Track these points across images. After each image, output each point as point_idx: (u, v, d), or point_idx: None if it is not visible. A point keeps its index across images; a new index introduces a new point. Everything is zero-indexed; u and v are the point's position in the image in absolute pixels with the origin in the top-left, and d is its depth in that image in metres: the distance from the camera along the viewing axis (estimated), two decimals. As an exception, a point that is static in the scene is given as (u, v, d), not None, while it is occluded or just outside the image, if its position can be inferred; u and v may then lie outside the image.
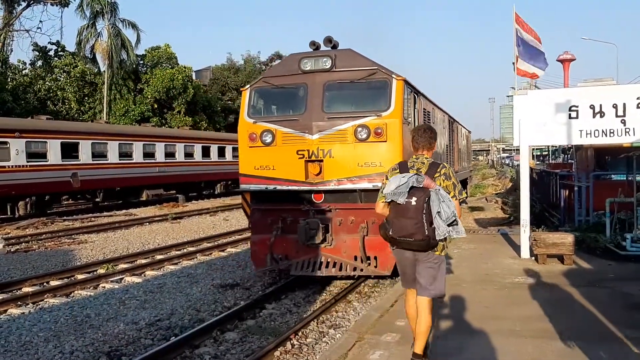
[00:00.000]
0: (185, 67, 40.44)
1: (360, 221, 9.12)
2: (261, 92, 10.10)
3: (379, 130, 8.93)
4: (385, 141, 8.95)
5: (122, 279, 11.35)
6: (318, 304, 9.23)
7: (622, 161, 13.44)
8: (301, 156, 9.28)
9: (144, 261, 12.90)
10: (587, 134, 9.85)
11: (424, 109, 11.50)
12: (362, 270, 9.20)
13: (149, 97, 38.67)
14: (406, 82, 9.55)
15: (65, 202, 27.81)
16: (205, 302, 9.29)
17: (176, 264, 12.80)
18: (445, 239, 4.73)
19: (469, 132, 21.16)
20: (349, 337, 6.03)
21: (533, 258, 10.07)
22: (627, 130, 9.67)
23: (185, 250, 14.40)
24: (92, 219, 21.75)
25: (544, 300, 7.42)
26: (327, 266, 9.28)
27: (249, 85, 10.28)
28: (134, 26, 37.94)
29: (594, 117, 9.79)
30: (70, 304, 9.41)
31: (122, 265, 12.46)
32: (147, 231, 18.18)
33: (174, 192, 29.39)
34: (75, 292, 10.29)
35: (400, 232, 4.72)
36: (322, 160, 9.20)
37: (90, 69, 37.90)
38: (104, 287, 10.73)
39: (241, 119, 9.97)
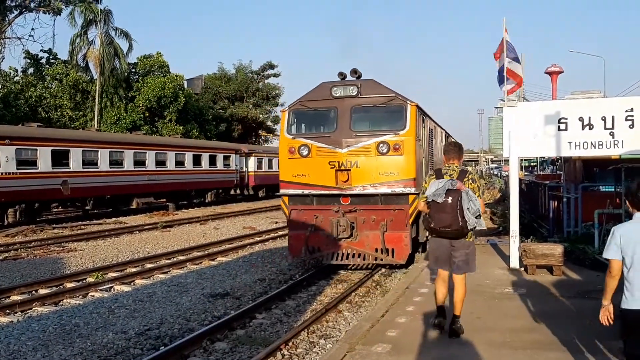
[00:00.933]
0: (176, 76, 40.44)
1: (381, 220, 11.08)
2: (298, 114, 12.08)
3: (397, 146, 11.03)
4: (402, 155, 11.05)
5: (111, 287, 11.28)
6: (309, 313, 9.23)
7: (610, 173, 13.59)
8: (332, 166, 11.28)
9: (133, 270, 12.84)
10: (576, 146, 9.95)
11: (429, 127, 13.57)
12: (381, 260, 11.21)
13: (141, 105, 38.61)
14: (418, 107, 11.64)
15: (55, 210, 27.63)
16: (195, 312, 9.25)
17: (166, 272, 12.75)
18: (473, 229, 6.11)
19: (447, 133, 22.43)
20: (340, 348, 6.02)
21: (522, 269, 10.12)
22: (616, 142, 9.77)
23: (175, 259, 14.34)
24: (82, 226, 21.62)
25: (534, 311, 7.46)
26: (352, 257, 11.29)
27: (287, 107, 12.34)
28: (126, 35, 37.93)
29: (582, 129, 9.89)
30: (59, 312, 9.33)
31: (112, 274, 12.38)
32: (137, 239, 18.09)
33: (165, 200, 29.30)
34: (64, 300, 10.21)
35: (440, 224, 6.08)
36: (349, 170, 11.19)
37: (82, 77, 37.78)
38: (93, 295, 10.65)
39: (282, 135, 12.03)
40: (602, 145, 9.82)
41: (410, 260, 11.90)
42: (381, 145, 11.09)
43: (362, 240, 11.21)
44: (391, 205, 11.15)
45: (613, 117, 9.75)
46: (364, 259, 11.31)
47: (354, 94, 11.48)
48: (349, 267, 12.48)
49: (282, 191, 11.88)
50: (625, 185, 5.86)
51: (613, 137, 9.76)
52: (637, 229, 3.99)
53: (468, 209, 5.94)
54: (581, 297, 8.14)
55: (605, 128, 9.80)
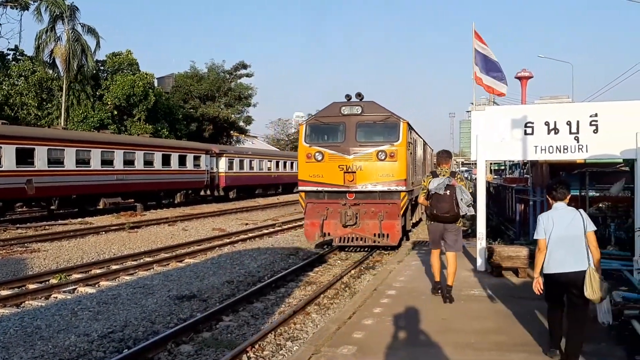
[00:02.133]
0: (146, 74, 39.86)
1: (378, 211, 14.13)
2: (313, 127, 15.18)
3: (392, 154, 14.18)
4: (396, 161, 14.21)
5: (75, 289, 11.05)
6: (277, 316, 9.18)
7: (575, 177, 13.85)
8: (341, 169, 14.37)
9: (98, 271, 12.60)
10: (542, 150, 10.09)
11: (414, 138, 16.55)
12: (379, 242, 14.20)
13: (109, 103, 37.96)
14: (408, 124, 14.79)
15: (19, 210, 26.94)
16: (161, 314, 9.11)
17: (132, 274, 12.54)
18: (464, 216, 8.12)
19: (432, 149, 26.45)
20: (306, 350, 5.98)
21: (489, 271, 10.23)
22: (580, 147, 9.94)
23: (141, 260, 14.11)
24: (47, 227, 21.12)
25: (499, 312, 7.54)
26: (356, 240, 14.34)
27: (304, 122, 15.79)
28: (93, 32, 37.20)
29: (548, 133, 10.04)
30: (21, 314, 9.10)
31: (76, 275, 12.14)
32: (103, 240, 17.76)
33: (133, 200, 28.82)
34: (26, 302, 9.99)
35: (441, 211, 8.02)
36: (355, 172, 14.27)
37: (49, 74, 36.94)
38: (56, 297, 10.43)
39: (300, 143, 15.02)
40: (567, 149, 9.98)
41: (400, 244, 14.84)
42: (380, 153, 14.27)
43: (364, 227, 14.25)
44: (387, 200, 14.30)
45: (578, 122, 9.92)
46: (365, 242, 14.35)
47: (359, 112, 14.59)
48: (348, 250, 15.74)
49: (300, 188, 14.97)
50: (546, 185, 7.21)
51: (578, 142, 9.92)
52: (553, 215, 5.62)
53: (461, 199, 7.95)
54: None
55: (570, 133, 9.96)
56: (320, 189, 14.59)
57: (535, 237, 5.73)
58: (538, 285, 5.59)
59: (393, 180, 14.28)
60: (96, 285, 11.44)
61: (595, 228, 5.57)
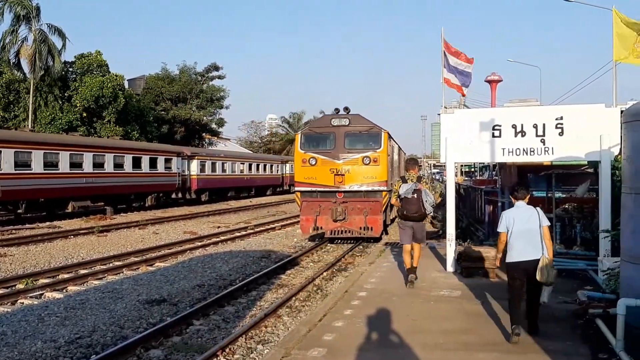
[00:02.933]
0: (116, 76, 39.22)
1: (363, 207, 16.52)
2: (307, 136, 17.50)
3: (375, 159, 16.58)
4: (379, 165, 16.64)
5: (42, 294, 10.84)
6: (248, 319, 9.15)
7: (543, 178, 14.11)
8: (332, 172, 16.66)
9: (66, 276, 12.38)
10: (509, 152, 10.26)
11: (392, 145, 18.83)
12: (364, 234, 16.51)
13: (78, 105, 37.29)
14: (388, 133, 17.41)
15: (-16, 214, 26.30)
16: (130, 319, 9.00)
17: (101, 279, 12.35)
18: (428, 214, 9.79)
19: (405, 153, 28.87)
20: (275, 353, 5.97)
21: (459, 271, 10.35)
22: (547, 149, 10.12)
23: (110, 264, 13.91)
24: (13, 231, 20.64)
25: (468, 313, 7.64)
26: (344, 232, 16.65)
27: (300, 131, 18.26)
28: (60, 32, 36.47)
29: (515, 136, 10.20)
30: (-16, 321, 8.88)
31: (43, 280, 11.91)
32: (72, 244, 17.45)
33: (102, 204, 28.37)
34: (-9, 308, 9.75)
35: (410, 212, 9.44)
36: (343, 174, 16.58)
37: (15, 75, 36.12)
38: (23, 303, 10.22)
39: (296, 150, 17.36)
40: (533, 152, 10.16)
41: (381, 237, 17.52)
42: (365, 158, 16.65)
43: (351, 221, 16.55)
44: (370, 198, 16.65)
45: (544, 125, 10.11)
46: (352, 234, 16.66)
47: (346, 124, 17.00)
48: (338, 242, 17.93)
49: (296, 188, 17.40)
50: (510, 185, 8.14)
51: (544, 144, 10.11)
52: (515, 212, 6.64)
53: (426, 201, 9.37)
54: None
55: (537, 135, 10.14)
56: (313, 189, 16.96)
57: (498, 230, 6.83)
58: (498, 261, 7.16)
59: (376, 182, 16.70)
60: (64, 290, 11.24)
61: (549, 223, 6.58)
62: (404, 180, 9.57)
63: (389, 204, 17.38)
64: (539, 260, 6.31)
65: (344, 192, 16.70)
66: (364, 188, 16.65)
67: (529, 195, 6.80)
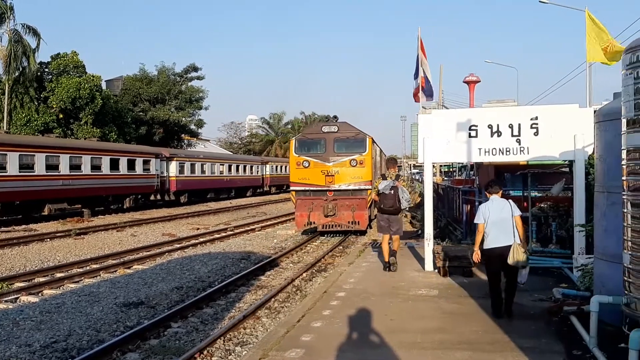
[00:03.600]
0: (93, 76, 38.72)
1: (351, 204, 18.58)
2: (300, 141, 19.60)
3: (361, 162, 18.74)
4: (364, 167, 18.76)
5: (17, 298, 10.65)
6: (226, 321, 9.10)
7: (519, 178, 14.27)
8: (323, 173, 18.74)
9: (42, 279, 12.20)
10: (485, 152, 10.36)
11: (375, 149, 20.88)
12: (352, 227, 18.71)
13: (54, 106, 36.76)
14: (372, 138, 19.65)
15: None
16: (107, 322, 8.90)
17: (77, 282, 12.19)
18: (404, 209, 11.22)
19: (385, 155, 29.93)
20: (253, 355, 5.96)
21: (436, 271, 10.43)
22: (522, 149, 10.25)
23: (87, 267, 13.73)
24: (-13, 235, 20.30)
25: (445, 312, 7.70)
26: (334, 226, 18.80)
27: (294, 138, 20.03)
28: (34, 32, 35.90)
29: (491, 136, 10.32)
30: (-43, 326, 8.71)
31: (18, 284, 11.71)
32: (48, 248, 17.19)
33: (80, 206, 28.01)
34: (-37, 314, 9.56)
35: (386, 206, 10.73)
36: (333, 175, 18.66)
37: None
38: (-3, 307, 10.04)
39: (291, 154, 19.39)
40: (509, 151, 10.28)
41: (366, 230, 19.87)
42: (352, 161, 18.81)
43: (340, 216, 18.62)
44: (357, 196, 18.70)
45: (519, 125, 10.23)
46: (341, 228, 18.89)
47: (335, 130, 19.27)
48: (328, 235, 19.99)
49: (292, 188, 19.45)
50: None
51: (519, 144, 10.24)
52: (489, 205, 7.54)
53: (402, 197, 10.68)
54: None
55: (513, 135, 10.26)
56: (307, 188, 18.96)
57: (475, 222, 7.73)
58: (477, 255, 7.62)
59: (362, 181, 18.78)
60: (39, 294, 11.07)
61: (520, 213, 7.48)
62: (384, 177, 11.03)
63: (373, 200, 17.79)
64: (509, 246, 7.17)
65: (334, 190, 18.82)
66: (351, 187, 18.80)
67: (501, 190, 7.71)
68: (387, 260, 10.81)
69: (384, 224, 10.90)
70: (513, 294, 7.47)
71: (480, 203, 14.10)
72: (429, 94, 14.87)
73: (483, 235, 7.43)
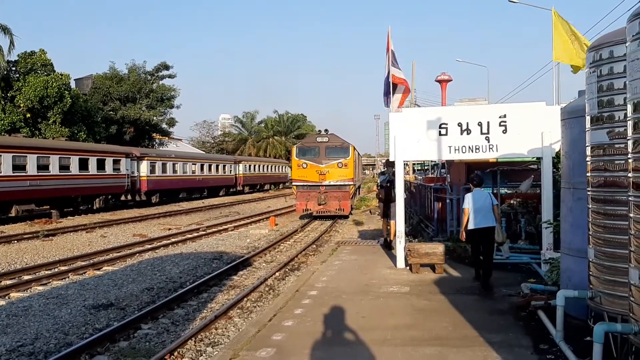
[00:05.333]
0: (62, 75, 37.91)
1: (338, 196, 24.91)
2: (300, 148, 26.17)
3: (346, 164, 25.39)
4: (348, 168, 25.36)
5: (-18, 302, 10.40)
6: (198, 321, 9.03)
7: (489, 175, 14.44)
8: (317, 172, 24.85)
9: (8, 282, 11.92)
10: (455, 149, 10.47)
11: (355, 153, 27.49)
12: (338, 213, 24.84)
13: (22, 105, 35.93)
14: (354, 146, 26.90)
15: None
16: (75, 325, 8.75)
17: (45, 284, 11.95)
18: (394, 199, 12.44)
19: (360, 155, 38.18)
20: (224, 355, 5.92)
21: (408, 268, 10.50)
22: (491, 146, 10.39)
23: (56, 269, 13.46)
24: (-49, 237, 19.75)
25: (416, 308, 7.76)
26: (325, 212, 24.84)
27: (295, 146, 27.06)
28: (6, 30, 35.07)
29: (461, 134, 10.43)
30: None
31: (-17, 288, 11.43)
32: (15, 250, 16.81)
33: (48, 207, 27.46)
34: None
35: (381, 194, 14.33)
36: (325, 174, 24.79)
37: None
38: (-40, 312, 9.78)
39: (293, 158, 26.02)
40: (479, 149, 10.41)
41: (349, 215, 26.09)
42: (339, 163, 25.29)
43: (330, 205, 25.01)
44: (342, 190, 25.22)
45: (488, 123, 10.36)
46: (331, 213, 25.00)
47: (327, 140, 26.01)
48: (321, 219, 25.57)
49: (294, 183, 26.19)
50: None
51: (488, 142, 10.37)
52: (474, 194, 9.22)
53: (393, 188, 12.01)
54: (460, 293, 8.58)
55: (482, 133, 10.39)
56: (305, 183, 25.46)
57: (462, 207, 9.48)
58: (463, 234, 9.36)
59: (346, 179, 25.57)
60: (6, 297, 10.82)
61: (497, 203, 9.47)
62: (382, 173, 15.30)
63: (354, 192, 28.28)
64: (490, 227, 9.04)
65: (325, 185, 25.24)
66: (338, 183, 25.37)
67: (482, 183, 9.58)
68: (385, 237, 13.99)
69: (383, 211, 14.39)
70: (488, 268, 9.01)
71: (451, 201, 14.36)
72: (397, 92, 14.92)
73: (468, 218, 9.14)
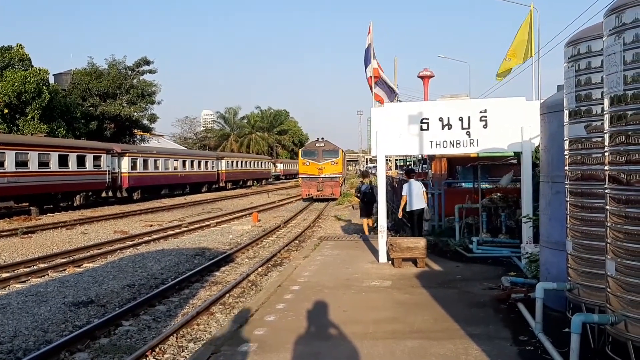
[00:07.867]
0: (40, 70, 37.37)
1: (331, 184, 37.91)
2: (305, 151, 39.91)
3: (337, 162, 38.62)
4: (338, 165, 38.92)
5: (-42, 301, 10.24)
6: (180, 317, 8.99)
7: (470, 170, 14.56)
8: (317, 168, 37.61)
9: (-15, 280, 11.74)
10: (436, 144, 10.52)
11: (344, 154, 47.46)
12: (331, 197, 37.29)
13: (-1, 101, 35.34)
14: (342, 150, 44.31)
15: None
16: (55, 322, 8.66)
17: (24, 282, 11.80)
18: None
19: (344, 152, 50.67)
20: (205, 350, 5.89)
21: (390, 262, 10.54)
22: (472, 141, 10.45)
23: (35, 267, 13.30)
24: None
25: (397, 302, 7.79)
26: (322, 196, 37.24)
27: (301, 149, 41.38)
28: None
29: (442, 129, 10.48)
30: None
31: (-40, 286, 11.25)
32: (-7, 247, 16.58)
33: (27, 204, 27.11)
34: None
35: (367, 198, 17.51)
36: (322, 169, 37.60)
37: None
38: (-64, 311, 9.62)
39: (299, 158, 39.37)
40: (459, 144, 10.46)
41: (337, 198, 37.26)
42: (332, 162, 37.75)
43: (325, 191, 36.96)
44: (334, 180, 37.55)
45: (469, 118, 10.42)
46: (325, 197, 36.59)
47: (323, 145, 38.55)
48: (316, 201, 36.30)
49: (300, 176, 39.60)
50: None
51: (469, 137, 10.43)
52: (411, 184, 12.77)
53: (374, 193, 14.72)
54: (441, 287, 8.63)
55: (463, 128, 10.45)
56: (308, 176, 37.08)
57: (402, 194, 12.82)
58: (401, 213, 13.21)
59: (337, 173, 37.61)
60: (-17, 296, 10.67)
61: (426, 190, 13.02)
62: (362, 182, 18.13)
63: (342, 182, 41.04)
64: (422, 209, 12.69)
65: (322, 177, 36.87)
66: (331, 175, 37.21)
67: (416, 174, 13.07)
68: (366, 232, 16.53)
69: (364, 212, 17.57)
70: (420, 234, 12.41)
71: (432, 195, 14.48)
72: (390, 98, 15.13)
73: (405, 202, 12.58)
